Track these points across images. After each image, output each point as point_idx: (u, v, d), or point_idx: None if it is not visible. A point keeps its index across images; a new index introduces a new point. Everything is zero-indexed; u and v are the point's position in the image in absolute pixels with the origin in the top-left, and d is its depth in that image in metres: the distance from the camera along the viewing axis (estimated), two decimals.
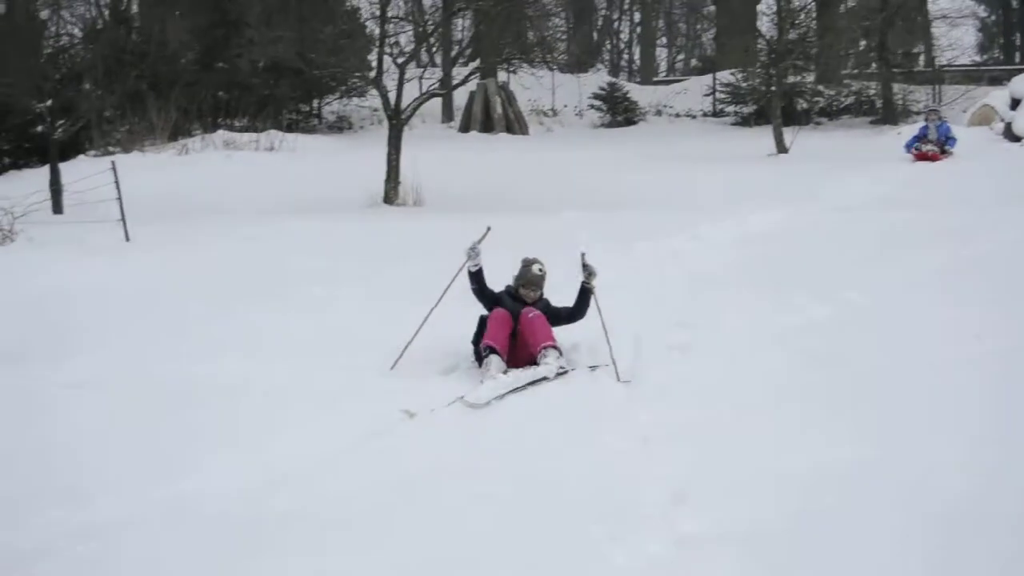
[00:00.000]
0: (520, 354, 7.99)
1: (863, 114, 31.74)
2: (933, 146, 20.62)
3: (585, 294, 8.37)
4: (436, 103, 30.50)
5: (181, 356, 8.34)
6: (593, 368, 7.88)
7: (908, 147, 20.91)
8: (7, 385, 7.68)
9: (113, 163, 14.40)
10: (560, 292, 8.55)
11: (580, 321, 8.43)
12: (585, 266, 8.34)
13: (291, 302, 10.07)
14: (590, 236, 8.20)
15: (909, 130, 22.95)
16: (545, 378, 7.61)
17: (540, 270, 8.43)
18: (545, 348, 7.86)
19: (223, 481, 5.91)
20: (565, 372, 7.77)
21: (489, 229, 8.55)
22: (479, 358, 8.07)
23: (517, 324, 8.12)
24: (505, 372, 7.70)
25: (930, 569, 4.49)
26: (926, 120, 21.52)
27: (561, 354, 7.95)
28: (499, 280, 8.51)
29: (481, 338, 8.09)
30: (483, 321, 8.24)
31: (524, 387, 7.49)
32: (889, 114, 30.22)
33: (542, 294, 8.47)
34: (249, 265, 11.85)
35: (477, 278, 8.40)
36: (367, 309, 9.77)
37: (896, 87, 31.10)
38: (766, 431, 6.29)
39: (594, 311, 8.24)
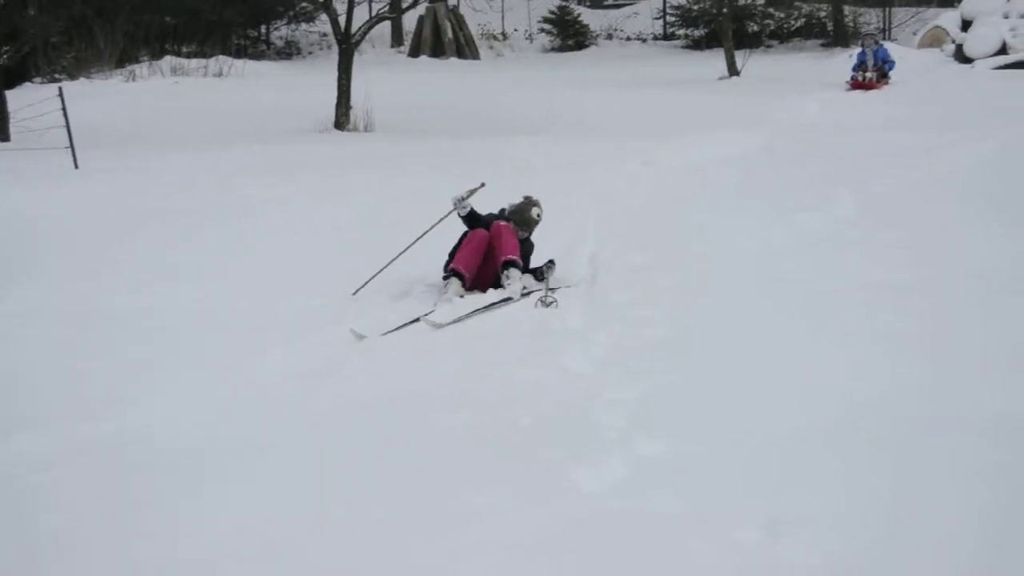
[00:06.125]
0: (488, 267, 7.99)
1: (814, 36, 31.75)
2: (871, 73, 20.53)
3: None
4: (386, 28, 30.25)
5: (134, 284, 8.28)
6: (552, 291, 7.79)
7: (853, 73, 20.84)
8: None
9: (60, 89, 14.25)
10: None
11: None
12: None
13: (245, 229, 10.01)
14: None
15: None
16: (510, 298, 7.64)
17: (538, 215, 8.34)
18: (507, 265, 7.84)
19: (173, 412, 5.81)
20: (530, 293, 7.79)
21: (483, 184, 8.40)
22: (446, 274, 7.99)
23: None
24: (462, 296, 7.71)
25: (888, 496, 4.51)
26: (863, 45, 21.43)
27: (523, 272, 7.96)
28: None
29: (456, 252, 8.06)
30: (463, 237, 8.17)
31: (486, 308, 7.49)
32: (840, 36, 30.25)
33: (529, 236, 8.37)
34: (202, 191, 11.75)
35: (470, 220, 8.24)
36: (322, 235, 9.72)
37: (847, 9, 31.10)
38: (724, 353, 6.31)
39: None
